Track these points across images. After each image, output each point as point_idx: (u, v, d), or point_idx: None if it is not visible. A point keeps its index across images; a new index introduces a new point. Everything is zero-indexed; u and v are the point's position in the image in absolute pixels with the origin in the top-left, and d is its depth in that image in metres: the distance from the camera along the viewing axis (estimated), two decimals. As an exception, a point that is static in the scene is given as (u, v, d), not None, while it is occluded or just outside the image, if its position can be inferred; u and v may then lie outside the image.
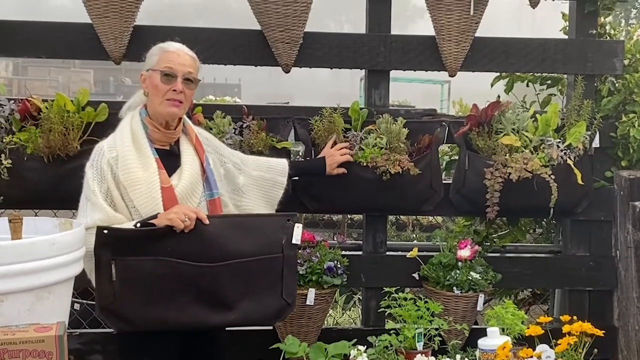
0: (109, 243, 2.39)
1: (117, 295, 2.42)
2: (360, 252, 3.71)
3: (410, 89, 13.32)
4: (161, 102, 2.60)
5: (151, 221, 2.44)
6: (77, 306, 4.24)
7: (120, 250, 2.41)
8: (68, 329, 3.68)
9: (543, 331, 2.29)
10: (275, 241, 2.60)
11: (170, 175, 2.60)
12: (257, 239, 2.57)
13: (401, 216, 7.12)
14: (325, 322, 3.66)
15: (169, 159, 2.64)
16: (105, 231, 2.38)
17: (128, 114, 2.68)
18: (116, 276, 2.40)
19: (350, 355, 2.33)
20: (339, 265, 3.40)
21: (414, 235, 7.18)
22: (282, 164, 3.06)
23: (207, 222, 2.48)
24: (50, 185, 3.28)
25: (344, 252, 3.55)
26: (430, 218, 7.16)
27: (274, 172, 3.02)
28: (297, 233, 2.61)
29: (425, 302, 2.69)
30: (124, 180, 2.51)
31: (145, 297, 2.43)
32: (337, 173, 3.28)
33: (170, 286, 2.44)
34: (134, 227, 2.43)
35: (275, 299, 2.58)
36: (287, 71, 3.54)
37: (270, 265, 2.58)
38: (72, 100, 3.33)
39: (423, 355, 2.44)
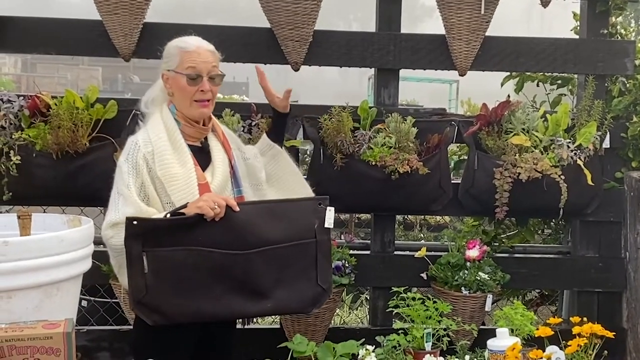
0: (139, 234, 2.33)
1: (150, 288, 2.35)
2: (368, 252, 3.70)
3: (418, 88, 13.29)
4: (190, 104, 2.58)
5: (181, 211, 2.41)
6: (84, 303, 4.25)
7: (151, 241, 2.35)
8: (75, 325, 3.71)
9: (553, 332, 2.28)
10: (307, 226, 2.54)
11: (202, 171, 2.59)
12: (289, 225, 2.52)
13: (409, 216, 7.11)
14: (332, 322, 3.65)
15: (201, 156, 2.62)
16: (135, 222, 2.33)
17: (155, 109, 2.64)
18: (148, 268, 2.34)
19: (358, 354, 2.32)
20: (346, 265, 3.39)
21: (422, 235, 7.17)
22: (262, 140, 2.95)
23: (237, 209, 2.42)
24: (59, 182, 3.29)
25: (351, 252, 3.55)
26: (438, 218, 7.14)
27: (260, 148, 2.92)
28: (330, 216, 2.54)
29: (434, 302, 2.67)
30: (162, 175, 2.49)
31: (178, 288, 2.38)
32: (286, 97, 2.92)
33: (203, 276, 2.39)
34: (163, 217, 2.40)
35: (310, 285, 2.53)
36: (296, 69, 3.53)
37: (303, 250, 2.52)
38: (81, 97, 3.33)
39: (431, 355, 2.42)
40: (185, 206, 2.40)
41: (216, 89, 2.63)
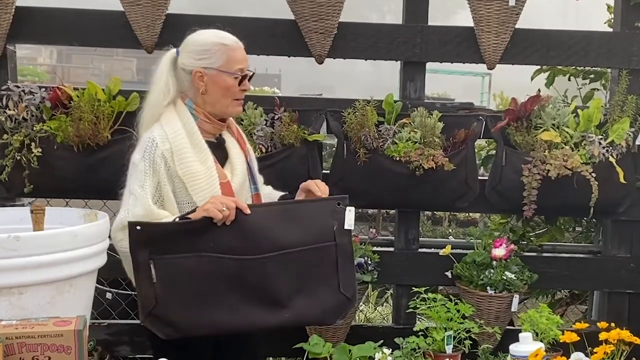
0: (145, 241, 2.21)
1: (160, 299, 2.23)
2: (392, 248, 3.64)
3: (450, 81, 13.16)
4: (230, 103, 2.50)
5: (189, 215, 2.29)
6: (109, 295, 4.24)
7: (158, 248, 2.22)
8: (98, 319, 3.70)
9: (578, 338, 2.19)
10: (325, 228, 2.37)
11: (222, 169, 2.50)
12: (306, 227, 2.35)
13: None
14: (357, 318, 3.60)
15: (217, 152, 2.52)
16: (139, 227, 2.21)
17: (168, 106, 2.49)
18: (157, 277, 2.22)
19: (375, 357, 2.26)
20: (369, 262, 3.33)
21: (450, 230, 7.09)
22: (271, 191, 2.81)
23: (248, 211, 2.27)
24: (80, 175, 3.27)
25: (375, 248, 3.49)
26: (467, 213, 7.06)
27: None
28: (350, 217, 2.36)
29: (456, 303, 2.60)
30: (183, 174, 2.38)
31: (190, 298, 2.25)
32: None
33: (215, 285, 2.25)
34: (168, 222, 2.29)
35: (332, 293, 2.36)
36: (320, 62, 3.47)
37: (322, 255, 2.36)
38: (103, 89, 3.30)
39: (451, 359, 2.36)
40: (194, 210, 2.30)
41: None
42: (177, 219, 2.29)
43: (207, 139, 2.51)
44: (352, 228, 2.40)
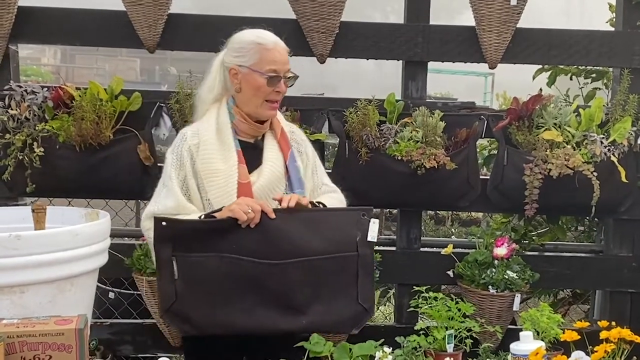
0: (169, 237, 2.24)
1: (180, 296, 2.26)
2: (393, 248, 3.63)
3: (454, 81, 13.13)
4: (261, 104, 2.48)
5: (214, 214, 2.31)
6: (111, 295, 4.24)
7: (182, 245, 2.26)
8: (100, 318, 3.71)
9: (579, 337, 2.19)
10: (349, 238, 2.35)
11: (251, 171, 2.46)
12: (329, 236, 2.34)
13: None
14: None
15: (252, 154, 2.50)
16: (164, 223, 2.24)
17: (215, 103, 2.54)
18: (178, 274, 2.25)
19: (375, 356, 2.26)
20: (371, 261, 3.32)
21: (453, 230, 7.08)
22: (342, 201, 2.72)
23: (272, 215, 2.28)
24: (82, 174, 3.27)
25: (377, 247, 3.48)
26: (470, 212, 7.06)
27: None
28: (373, 229, 2.36)
29: (457, 302, 2.59)
30: (202, 170, 2.41)
31: (210, 297, 2.27)
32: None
33: (235, 286, 2.26)
34: (194, 219, 2.31)
35: (350, 303, 2.36)
36: (322, 62, 3.47)
37: (343, 265, 2.35)
38: (105, 89, 3.30)
39: (452, 358, 2.36)
40: (220, 210, 2.30)
41: (287, 88, 2.53)
42: (203, 217, 2.31)
43: (244, 139, 2.52)
44: (375, 240, 2.38)
